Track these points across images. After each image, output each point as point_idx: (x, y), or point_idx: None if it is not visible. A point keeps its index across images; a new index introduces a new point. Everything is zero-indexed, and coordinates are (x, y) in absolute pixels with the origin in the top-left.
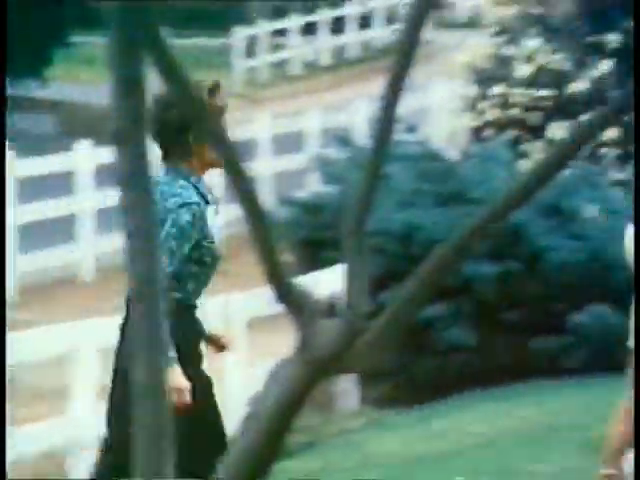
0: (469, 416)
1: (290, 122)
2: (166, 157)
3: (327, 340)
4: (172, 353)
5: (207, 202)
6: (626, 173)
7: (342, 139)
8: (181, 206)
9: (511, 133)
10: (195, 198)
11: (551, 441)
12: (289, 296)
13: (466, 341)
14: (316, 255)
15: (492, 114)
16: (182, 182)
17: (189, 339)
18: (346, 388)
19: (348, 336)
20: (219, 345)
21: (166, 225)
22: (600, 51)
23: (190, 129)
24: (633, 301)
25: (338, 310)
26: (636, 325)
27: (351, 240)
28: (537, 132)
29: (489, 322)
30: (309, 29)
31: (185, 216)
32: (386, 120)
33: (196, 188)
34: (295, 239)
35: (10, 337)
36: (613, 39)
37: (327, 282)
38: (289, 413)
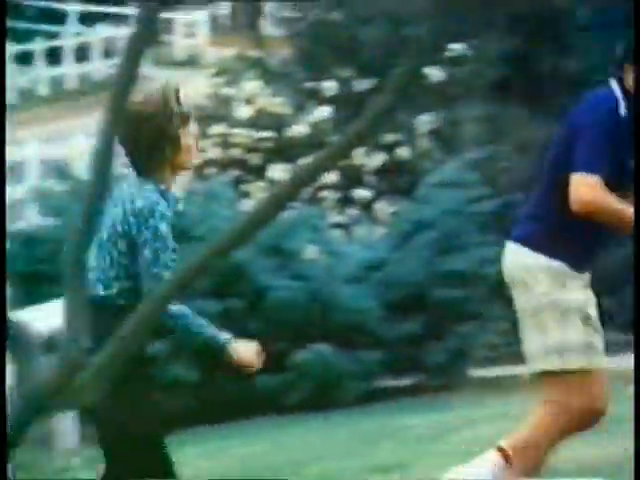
0: (192, 452)
1: (8, 152)
2: (140, 173)
3: (45, 376)
4: (224, 335)
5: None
6: (345, 216)
7: (61, 171)
8: (154, 213)
9: (233, 173)
10: (164, 206)
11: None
12: (5, 330)
13: (188, 377)
14: (34, 289)
15: (213, 153)
16: (149, 186)
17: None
18: (65, 425)
19: (67, 372)
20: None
21: (147, 236)
22: (318, 97)
23: (166, 141)
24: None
25: (57, 345)
26: (636, 325)
27: (70, 274)
28: (258, 173)
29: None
30: (25, 58)
31: (162, 227)
32: (105, 153)
33: (163, 196)
34: (12, 272)
35: None
36: (330, 86)
37: (45, 317)
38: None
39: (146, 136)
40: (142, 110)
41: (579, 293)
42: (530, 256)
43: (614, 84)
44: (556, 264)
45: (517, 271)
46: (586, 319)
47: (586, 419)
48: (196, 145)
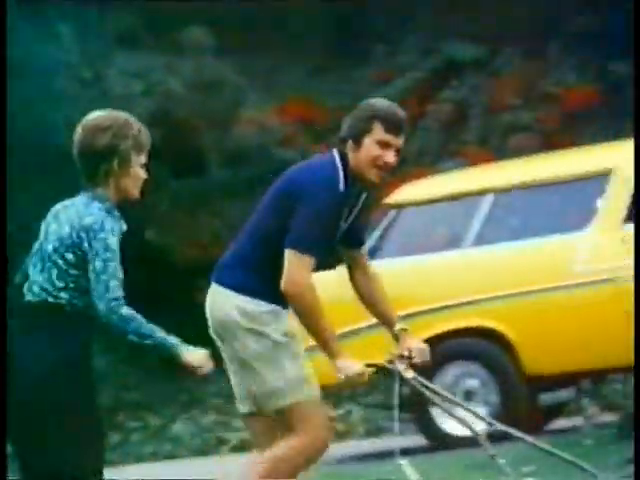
0: None
1: None
2: (86, 182)
3: None
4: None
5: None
6: None
7: None
8: (104, 227)
9: None
10: (115, 221)
11: None
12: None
13: None
14: None
15: None
16: (96, 204)
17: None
18: None
19: None
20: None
21: (97, 248)
22: None
23: (116, 155)
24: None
25: None
26: (636, 325)
27: None
28: None
29: None
30: None
31: (112, 241)
32: None
33: (109, 213)
34: None
35: None
36: None
37: None
38: None
39: (98, 145)
40: (102, 121)
41: (288, 329)
42: (251, 303)
43: (337, 157)
44: (273, 307)
45: (241, 319)
46: (296, 354)
47: (312, 452)
48: (141, 180)
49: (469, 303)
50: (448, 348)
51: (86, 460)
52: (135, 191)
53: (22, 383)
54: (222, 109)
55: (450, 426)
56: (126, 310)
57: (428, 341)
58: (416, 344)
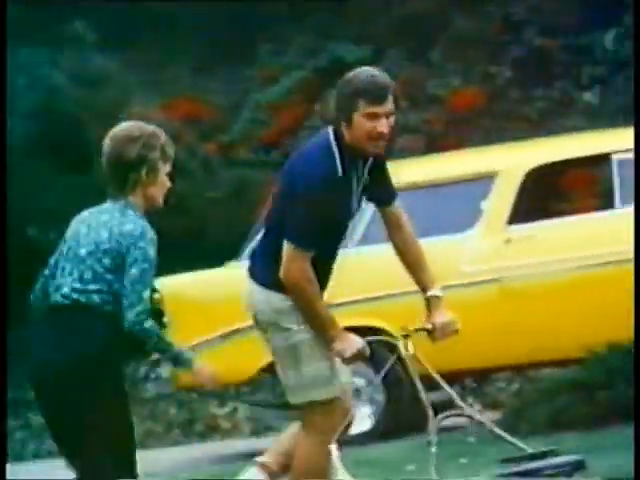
0: None
1: None
2: (115, 191)
3: None
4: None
5: None
6: None
7: None
8: (142, 234)
9: None
10: (150, 230)
11: None
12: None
13: None
14: None
15: None
16: (131, 212)
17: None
18: None
19: None
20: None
21: (136, 256)
22: None
23: (145, 165)
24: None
25: None
26: (636, 325)
27: None
28: None
29: None
30: None
31: (151, 250)
32: None
33: (146, 223)
34: None
35: None
36: None
37: None
38: None
39: (129, 155)
40: (131, 132)
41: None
42: (277, 298)
43: (332, 139)
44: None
45: (269, 314)
46: (314, 354)
47: (316, 454)
48: (166, 188)
49: (355, 302)
50: None
51: (119, 461)
52: (160, 200)
53: (54, 383)
54: (108, 104)
55: None
56: (150, 323)
57: None
58: (440, 318)
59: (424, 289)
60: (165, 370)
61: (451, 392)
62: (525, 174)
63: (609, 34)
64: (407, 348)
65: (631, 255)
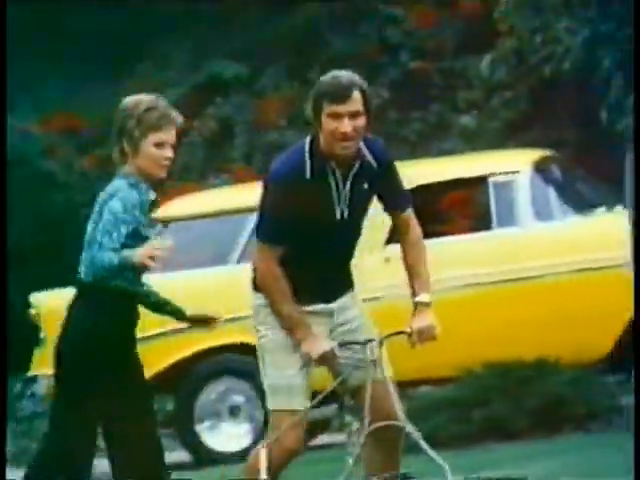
0: None
1: None
2: (116, 164)
3: None
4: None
5: (145, 199)
6: None
7: None
8: (111, 196)
9: None
10: (126, 189)
11: None
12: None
13: None
14: None
15: None
16: (117, 180)
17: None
18: None
19: None
20: (206, 320)
21: (104, 215)
22: None
23: (124, 135)
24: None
25: None
26: (635, 325)
27: None
28: None
29: None
30: None
31: (116, 204)
32: None
33: (133, 186)
34: None
35: None
36: None
37: None
38: None
39: (114, 127)
40: (121, 105)
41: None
42: (253, 296)
43: (307, 143)
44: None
45: (252, 311)
46: (285, 360)
47: (280, 456)
48: (159, 159)
49: (234, 320)
50: (214, 364)
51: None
52: (156, 171)
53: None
54: None
55: (214, 442)
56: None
57: (194, 357)
58: (418, 322)
59: (413, 294)
60: (41, 387)
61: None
62: None
63: (484, 59)
64: (372, 353)
65: (509, 276)
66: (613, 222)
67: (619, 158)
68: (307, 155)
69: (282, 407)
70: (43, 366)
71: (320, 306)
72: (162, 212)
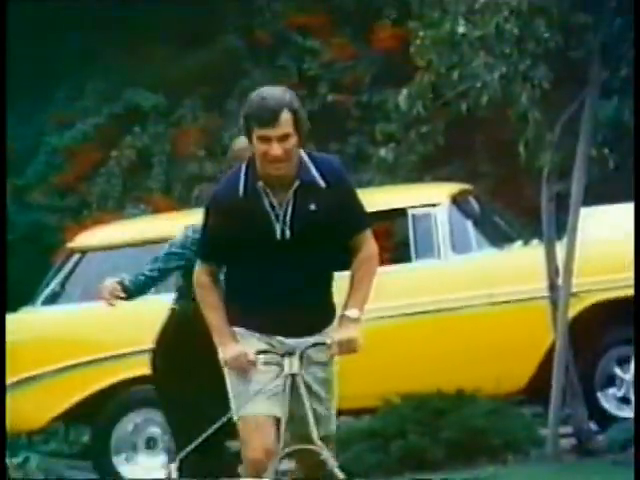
0: None
1: None
2: None
3: None
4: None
5: None
6: None
7: None
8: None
9: None
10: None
11: None
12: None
13: None
14: None
15: None
16: None
17: None
18: None
19: None
20: None
21: None
22: None
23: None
24: None
25: None
26: (636, 326)
27: None
28: None
29: None
30: None
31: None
32: None
33: None
34: None
35: None
36: None
37: None
38: None
39: None
40: None
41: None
42: None
43: (246, 162)
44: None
45: None
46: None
47: (247, 468)
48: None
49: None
50: (131, 395)
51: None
52: None
53: None
54: None
55: (131, 473)
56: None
57: (110, 389)
58: (339, 334)
59: (344, 306)
60: None
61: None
62: None
63: (402, 93)
64: (292, 366)
65: (428, 308)
66: (530, 255)
67: (536, 192)
68: (243, 175)
69: (243, 414)
70: None
71: (276, 339)
72: (79, 241)
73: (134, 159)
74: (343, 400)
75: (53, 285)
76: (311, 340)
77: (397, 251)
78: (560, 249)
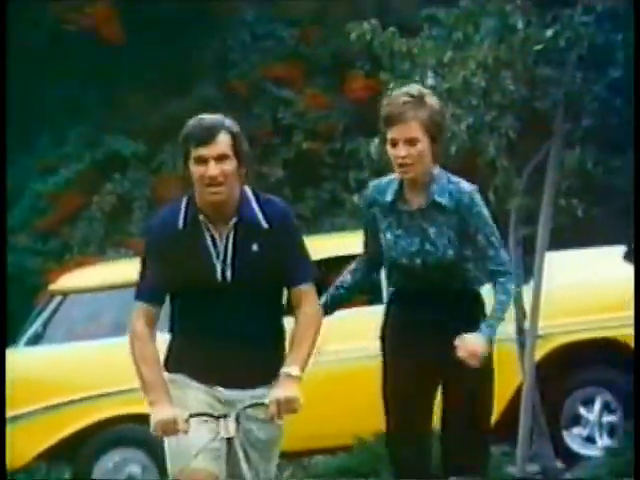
0: None
1: None
2: None
3: None
4: None
5: None
6: None
7: None
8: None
9: None
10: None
11: None
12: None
13: None
14: None
15: None
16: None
17: None
18: None
19: None
20: None
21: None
22: None
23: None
24: None
25: None
26: (636, 324)
27: None
28: None
29: None
30: None
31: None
32: None
33: None
34: None
35: None
36: None
37: None
38: None
39: None
40: None
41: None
42: None
43: (187, 196)
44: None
45: None
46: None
47: None
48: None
49: (131, 390)
50: (111, 434)
51: None
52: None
53: None
54: None
55: None
56: None
57: (90, 428)
58: (277, 393)
59: (285, 364)
60: None
61: None
62: None
63: (373, 141)
64: (228, 430)
65: None
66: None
67: (504, 237)
68: (183, 206)
69: (182, 468)
70: None
71: (217, 390)
72: (61, 284)
73: (115, 204)
74: (320, 439)
75: (35, 326)
76: (248, 399)
77: (371, 292)
78: (527, 293)
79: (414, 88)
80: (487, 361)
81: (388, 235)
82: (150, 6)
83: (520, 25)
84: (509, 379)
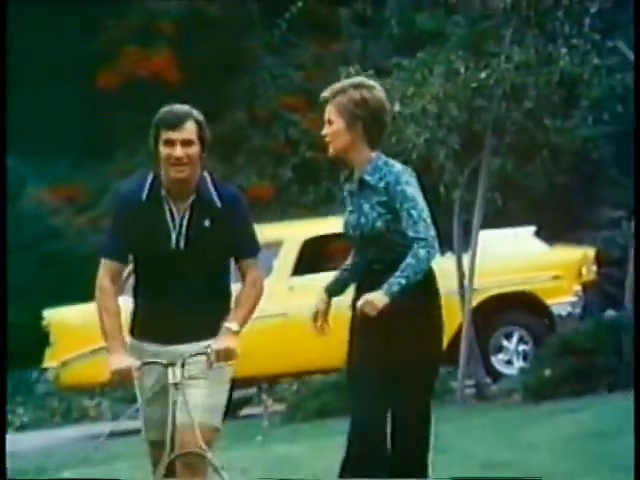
0: None
1: None
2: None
3: None
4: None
5: None
6: None
7: None
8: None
9: None
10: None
11: None
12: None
13: None
14: None
15: None
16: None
17: None
18: None
19: None
20: None
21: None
22: None
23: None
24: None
25: None
26: (636, 323)
27: None
28: None
29: None
30: None
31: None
32: None
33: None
34: None
35: None
36: None
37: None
38: None
39: None
40: None
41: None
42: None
43: (152, 172)
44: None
45: None
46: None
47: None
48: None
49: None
50: None
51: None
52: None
53: None
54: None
55: None
56: None
57: None
58: (217, 344)
59: (226, 319)
60: (51, 374)
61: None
62: (303, 243)
63: None
64: (175, 376)
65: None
66: (446, 264)
67: (450, 220)
68: (149, 180)
69: (145, 438)
70: (51, 361)
71: (158, 347)
72: None
73: None
74: (319, 362)
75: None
76: (195, 350)
77: None
78: (466, 259)
79: (357, 79)
80: (434, 311)
81: (346, 214)
82: (201, 55)
83: (462, 70)
84: (453, 320)
